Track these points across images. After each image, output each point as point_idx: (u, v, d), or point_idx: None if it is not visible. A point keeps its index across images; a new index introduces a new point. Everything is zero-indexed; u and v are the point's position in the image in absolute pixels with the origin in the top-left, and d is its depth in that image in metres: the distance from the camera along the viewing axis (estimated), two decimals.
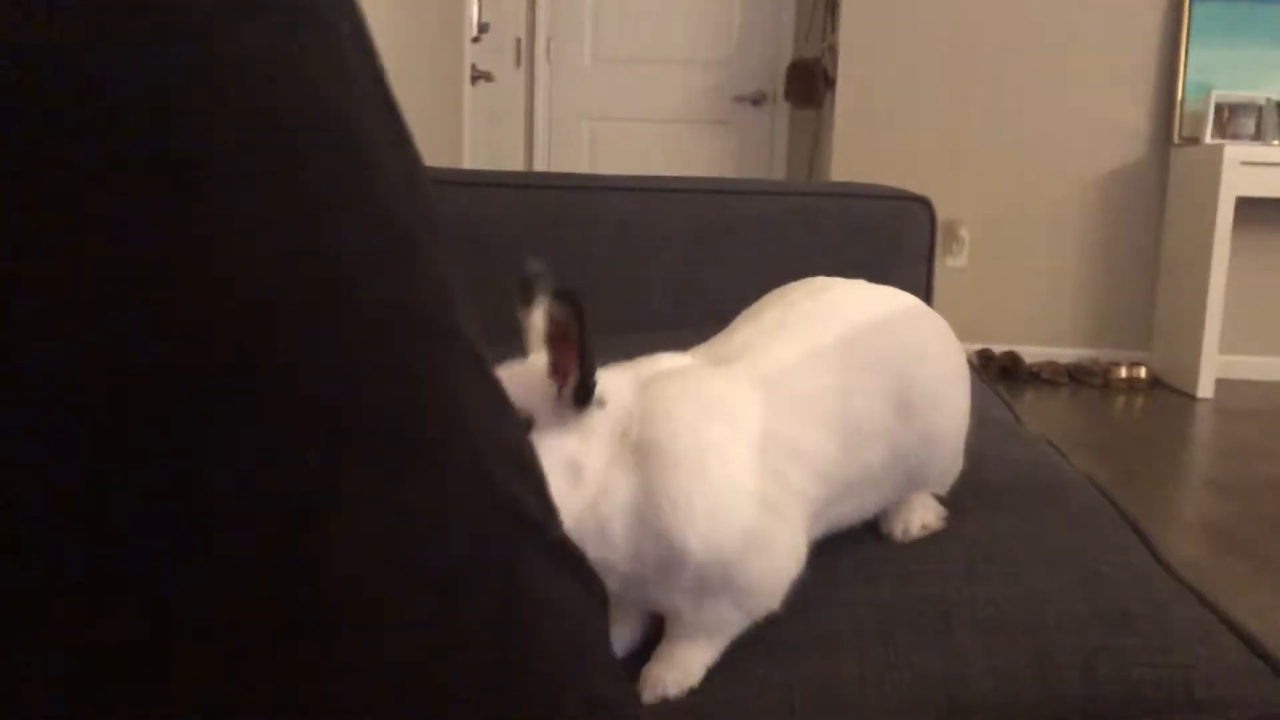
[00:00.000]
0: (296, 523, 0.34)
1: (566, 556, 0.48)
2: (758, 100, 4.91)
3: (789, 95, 4.72)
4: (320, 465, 0.34)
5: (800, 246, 1.52)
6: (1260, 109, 4.20)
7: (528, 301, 0.67)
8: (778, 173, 4.96)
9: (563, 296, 0.59)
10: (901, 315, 0.77)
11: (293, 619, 0.35)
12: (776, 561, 0.66)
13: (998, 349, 4.34)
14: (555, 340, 0.61)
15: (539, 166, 4.96)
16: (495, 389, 0.46)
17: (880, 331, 0.75)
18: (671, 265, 1.49)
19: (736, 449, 0.65)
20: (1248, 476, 3.21)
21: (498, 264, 1.53)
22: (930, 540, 0.76)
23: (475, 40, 3.91)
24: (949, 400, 0.78)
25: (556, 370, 0.62)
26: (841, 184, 1.71)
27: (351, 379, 0.36)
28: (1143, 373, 4.30)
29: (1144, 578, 0.69)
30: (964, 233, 4.39)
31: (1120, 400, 4.12)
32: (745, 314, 0.79)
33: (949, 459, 0.80)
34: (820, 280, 0.79)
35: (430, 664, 0.38)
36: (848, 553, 0.73)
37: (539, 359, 0.64)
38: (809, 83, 4.62)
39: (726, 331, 0.77)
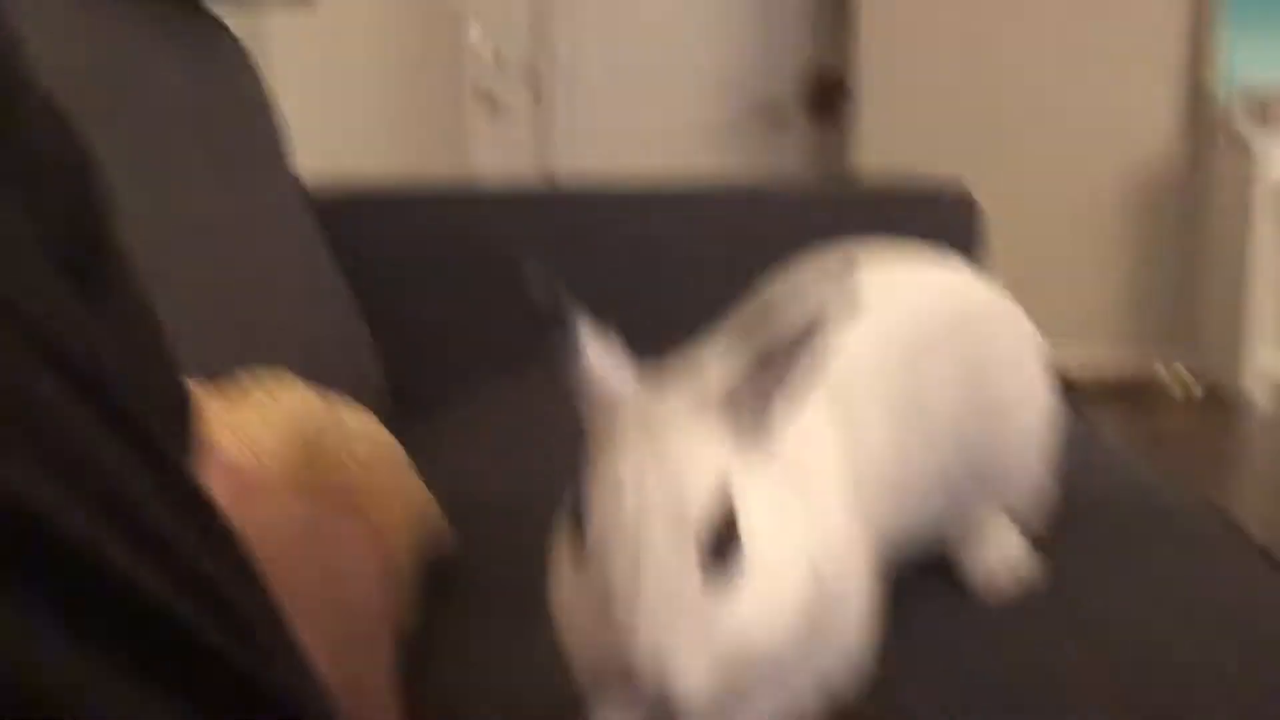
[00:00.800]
0: None
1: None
2: (775, 114, 4.80)
3: (808, 108, 4.61)
4: None
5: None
6: None
7: (564, 327, 0.48)
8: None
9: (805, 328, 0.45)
10: (967, 291, 0.70)
11: None
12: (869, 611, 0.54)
13: None
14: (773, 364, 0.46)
15: None
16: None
17: (948, 310, 0.66)
18: (697, 278, 1.36)
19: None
20: None
21: (504, 283, 1.41)
22: (1022, 586, 0.62)
23: (483, 67, 3.83)
24: (1028, 388, 0.68)
25: (754, 395, 0.46)
26: (878, 185, 1.58)
27: None
28: (1187, 376, 4.12)
29: None
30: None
31: (1165, 407, 3.95)
32: (776, 289, 0.66)
33: (1032, 464, 0.68)
34: (868, 251, 0.68)
35: None
36: (921, 606, 0.59)
37: (705, 390, 0.47)
38: (828, 94, 4.51)
39: (756, 309, 0.64)
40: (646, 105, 4.91)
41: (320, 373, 0.83)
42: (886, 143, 4.24)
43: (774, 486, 0.46)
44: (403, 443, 0.76)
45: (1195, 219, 4.27)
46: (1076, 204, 4.29)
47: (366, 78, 2.32)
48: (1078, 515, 0.69)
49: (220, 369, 0.73)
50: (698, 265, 1.38)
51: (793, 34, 4.80)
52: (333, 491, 0.67)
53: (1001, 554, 0.65)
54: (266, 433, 0.67)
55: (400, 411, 1.21)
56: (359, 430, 0.72)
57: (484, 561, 0.67)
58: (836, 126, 4.64)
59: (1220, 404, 3.95)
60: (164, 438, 0.34)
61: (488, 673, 0.56)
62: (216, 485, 0.48)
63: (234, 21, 1.39)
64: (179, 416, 0.50)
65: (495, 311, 1.38)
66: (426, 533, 0.70)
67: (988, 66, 4.22)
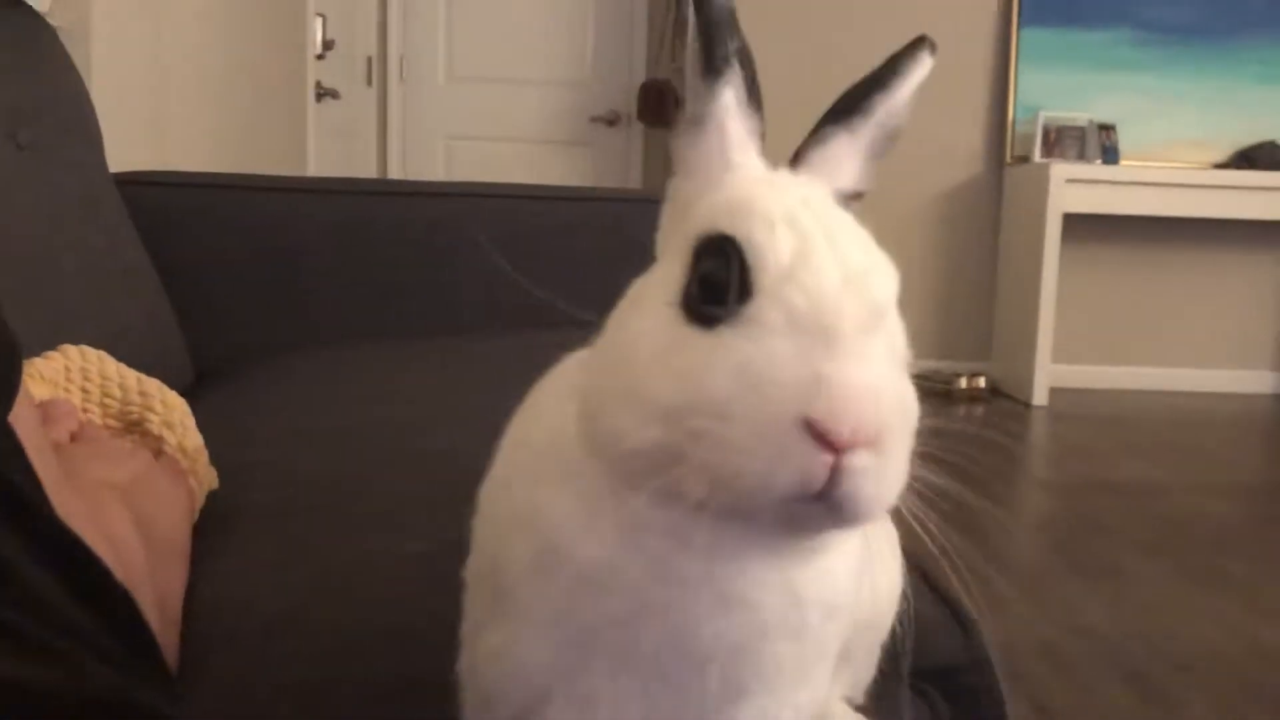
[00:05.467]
0: None
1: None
2: (612, 120, 4.96)
3: (641, 115, 4.79)
4: None
5: (613, 250, 1.52)
6: (1083, 130, 4.43)
7: None
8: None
9: None
10: None
11: None
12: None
13: None
14: None
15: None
16: None
17: None
18: (481, 270, 1.50)
19: None
20: (1070, 476, 3.37)
21: (298, 270, 1.52)
22: None
23: (320, 58, 3.86)
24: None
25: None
26: (653, 190, 1.74)
27: None
28: (982, 382, 4.46)
29: None
30: None
31: (961, 409, 4.28)
32: None
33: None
34: None
35: None
36: None
37: None
38: (661, 102, 4.69)
39: None
40: (487, 103, 4.98)
41: (128, 353, 0.92)
42: None
43: None
44: (193, 406, 0.87)
45: (996, 240, 4.62)
46: (889, 226, 4.56)
47: (201, 70, 2.38)
48: None
49: (33, 353, 0.82)
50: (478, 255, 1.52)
51: (632, 46, 4.96)
52: (142, 438, 0.78)
53: None
54: (80, 386, 0.79)
55: (200, 387, 1.32)
56: (156, 390, 0.84)
57: (245, 504, 0.80)
58: (670, 135, 4.83)
59: (1005, 399, 4.32)
60: (27, 488, 0.40)
61: (246, 588, 0.68)
62: (30, 425, 0.52)
63: (58, 16, 1.46)
64: (5, 361, 0.48)
65: (296, 295, 1.49)
66: (205, 474, 0.81)
67: (808, 92, 4.46)
